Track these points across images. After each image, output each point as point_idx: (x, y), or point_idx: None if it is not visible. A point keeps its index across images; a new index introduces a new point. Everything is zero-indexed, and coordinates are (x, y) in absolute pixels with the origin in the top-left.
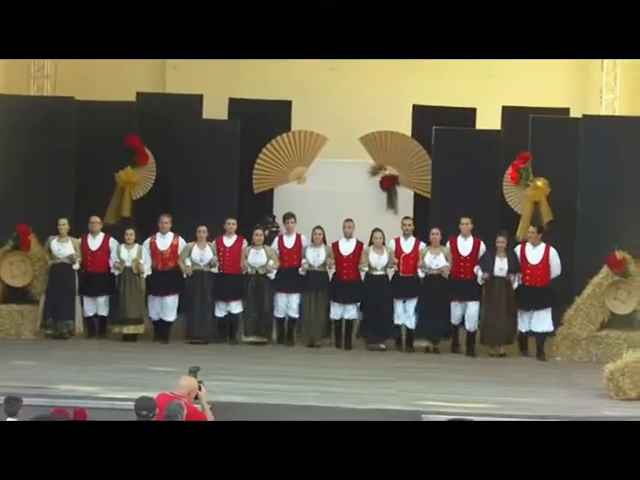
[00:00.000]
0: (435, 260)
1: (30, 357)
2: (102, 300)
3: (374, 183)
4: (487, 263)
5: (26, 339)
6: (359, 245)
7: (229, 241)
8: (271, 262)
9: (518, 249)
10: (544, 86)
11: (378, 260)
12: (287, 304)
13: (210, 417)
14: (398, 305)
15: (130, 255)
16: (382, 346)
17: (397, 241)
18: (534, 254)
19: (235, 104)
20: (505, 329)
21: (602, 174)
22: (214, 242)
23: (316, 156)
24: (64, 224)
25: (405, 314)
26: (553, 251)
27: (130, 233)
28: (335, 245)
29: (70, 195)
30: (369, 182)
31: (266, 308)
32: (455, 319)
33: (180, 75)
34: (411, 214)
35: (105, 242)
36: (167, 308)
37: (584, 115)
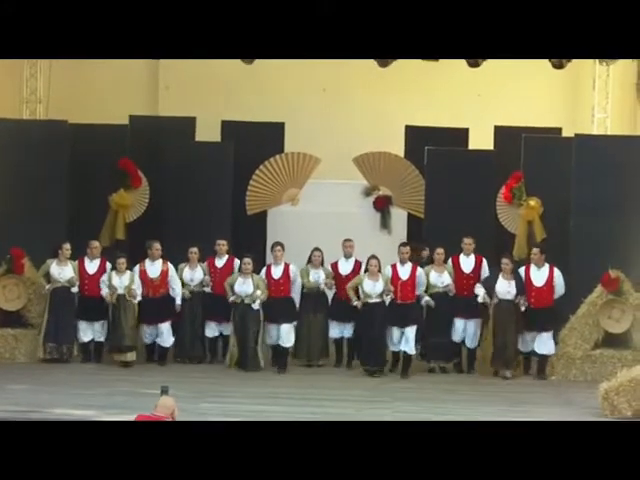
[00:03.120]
0: (440, 278)
1: (24, 381)
2: (98, 325)
3: (367, 204)
4: (489, 285)
5: (20, 363)
6: (358, 265)
7: (220, 262)
8: (258, 292)
9: (522, 270)
10: (536, 106)
11: (373, 287)
12: (278, 335)
13: None
14: (395, 332)
15: (122, 282)
16: (375, 372)
17: (394, 267)
18: (539, 276)
19: (228, 126)
20: (514, 352)
21: (595, 193)
22: (206, 263)
23: (309, 177)
24: (68, 249)
25: (404, 341)
26: (557, 272)
27: (122, 262)
28: (334, 265)
29: (63, 218)
30: (362, 203)
31: (251, 339)
32: (457, 336)
33: (172, 97)
34: (405, 234)
35: (102, 266)
36: (163, 335)
37: (576, 134)
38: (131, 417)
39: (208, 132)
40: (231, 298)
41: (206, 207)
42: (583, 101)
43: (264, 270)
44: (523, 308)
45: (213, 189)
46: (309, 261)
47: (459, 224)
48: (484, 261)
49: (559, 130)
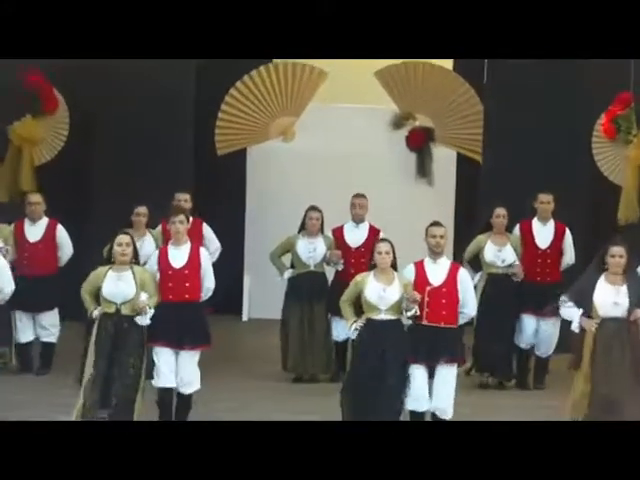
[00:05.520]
0: (500, 253)
1: None
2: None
3: (398, 140)
4: (584, 293)
5: None
6: (373, 233)
7: None
8: (143, 296)
9: None
10: None
11: (382, 295)
12: (172, 365)
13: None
14: (418, 375)
15: None
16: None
17: (419, 266)
18: None
19: None
20: (633, 400)
21: None
22: (158, 228)
23: (310, 100)
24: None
25: (433, 395)
26: None
27: None
28: (338, 232)
29: None
30: (390, 138)
31: (124, 375)
32: (525, 340)
33: None
34: (453, 186)
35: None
36: (44, 327)
37: None
38: None
39: None
40: (95, 313)
41: (158, 144)
42: None
43: (155, 257)
44: None
45: (168, 118)
46: (302, 227)
47: (534, 173)
48: (567, 232)
49: None
